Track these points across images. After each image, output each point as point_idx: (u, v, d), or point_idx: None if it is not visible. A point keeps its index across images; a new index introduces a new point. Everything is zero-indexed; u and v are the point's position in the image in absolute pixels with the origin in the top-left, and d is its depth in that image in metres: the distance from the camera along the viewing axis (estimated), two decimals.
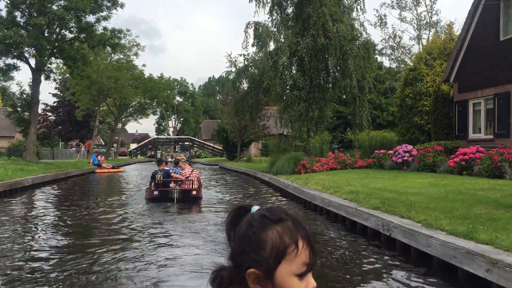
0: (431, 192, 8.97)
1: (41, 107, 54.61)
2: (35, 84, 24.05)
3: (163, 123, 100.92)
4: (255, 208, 1.12)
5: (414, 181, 11.39)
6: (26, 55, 23.98)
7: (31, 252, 6.95)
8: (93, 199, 13.89)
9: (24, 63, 24.33)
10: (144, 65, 61.30)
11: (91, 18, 24.49)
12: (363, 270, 5.96)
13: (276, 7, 22.54)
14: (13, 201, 13.27)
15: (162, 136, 78.73)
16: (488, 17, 16.58)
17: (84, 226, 9.20)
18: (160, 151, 70.72)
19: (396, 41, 44.80)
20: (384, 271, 5.77)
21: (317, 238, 7.90)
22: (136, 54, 46.06)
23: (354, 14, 22.63)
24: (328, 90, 22.89)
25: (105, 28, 25.32)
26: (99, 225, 9.21)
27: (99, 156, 32.95)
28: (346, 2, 22.65)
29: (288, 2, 22.70)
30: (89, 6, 22.90)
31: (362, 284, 5.37)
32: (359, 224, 7.92)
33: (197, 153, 69.09)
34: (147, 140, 70.61)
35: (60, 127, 56.10)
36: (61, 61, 25.47)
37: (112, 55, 45.12)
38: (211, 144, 65.22)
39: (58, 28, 24.14)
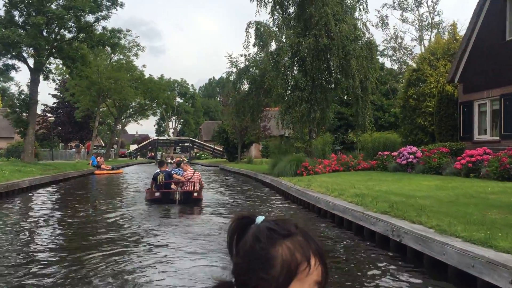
0: (440, 195, 8.65)
1: (40, 108, 54.44)
2: (33, 84, 23.76)
3: (163, 124, 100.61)
4: (260, 219, 1.03)
5: (420, 184, 11.08)
6: (25, 55, 23.73)
7: (25, 256, 6.64)
8: (92, 202, 13.57)
9: (22, 63, 24.10)
10: (144, 66, 61.14)
11: (90, 18, 24.23)
12: (372, 277, 5.65)
13: (277, 7, 22.27)
14: (9, 203, 12.96)
15: (162, 137, 78.42)
16: (494, 17, 16.27)
17: (81, 229, 8.88)
18: (160, 152, 70.36)
19: (397, 42, 44.56)
20: (395, 279, 5.45)
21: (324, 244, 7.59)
22: (136, 55, 45.92)
23: (357, 14, 22.41)
24: (330, 91, 22.60)
25: (104, 28, 25.06)
26: (97, 229, 8.89)
27: (98, 157, 32.68)
28: (349, 1, 22.39)
29: (290, 2, 22.43)
30: (88, 5, 22.63)
31: None
32: (366, 228, 7.61)
33: (197, 154, 68.81)
34: (147, 141, 70.24)
35: (59, 128, 55.84)
36: (60, 61, 25.16)
37: (112, 56, 44.88)
38: (211, 146, 64.92)
39: (57, 28, 23.87)
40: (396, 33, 45.12)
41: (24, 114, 24.23)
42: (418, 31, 44.13)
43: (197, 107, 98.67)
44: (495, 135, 16.01)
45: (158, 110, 65.66)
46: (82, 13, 23.14)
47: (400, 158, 16.17)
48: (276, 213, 11.69)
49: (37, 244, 7.64)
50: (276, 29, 22.14)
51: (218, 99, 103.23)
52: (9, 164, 21.93)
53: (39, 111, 56.44)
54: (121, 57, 45.57)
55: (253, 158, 42.76)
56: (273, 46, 21.79)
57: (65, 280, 5.43)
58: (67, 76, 38.13)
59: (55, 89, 55.66)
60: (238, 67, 24.55)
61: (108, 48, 28.47)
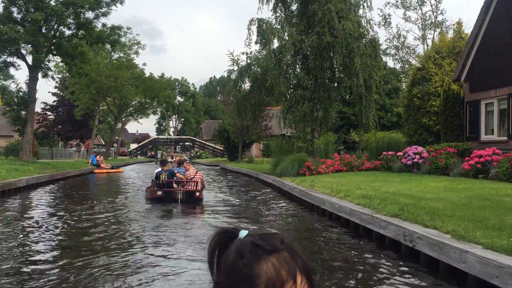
0: (451, 197, 8.29)
1: (40, 106, 54.12)
2: (32, 81, 23.40)
3: (164, 123, 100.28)
4: (243, 233, 0.96)
5: (428, 185, 10.72)
6: (23, 52, 23.39)
7: (18, 257, 6.29)
8: (90, 201, 13.22)
9: (21, 60, 23.77)
10: (144, 64, 60.71)
11: (90, 15, 23.85)
12: (383, 283, 5.30)
13: (280, 4, 21.87)
14: (5, 204, 12.61)
15: (163, 136, 78.06)
16: (501, 14, 15.91)
17: (78, 230, 8.53)
18: (160, 151, 70.01)
19: (400, 41, 44.19)
20: (408, 287, 5.10)
21: (327, 247, 7.24)
22: (136, 53, 45.46)
23: (361, 11, 21.97)
24: (333, 90, 22.21)
25: (104, 25, 24.69)
26: (95, 230, 8.54)
27: (98, 156, 32.33)
28: None
29: None
30: (88, 2, 22.26)
31: None
32: (375, 232, 7.25)
33: (198, 153, 68.45)
34: (148, 140, 69.90)
35: (59, 126, 55.53)
36: (59, 58, 24.79)
37: (112, 54, 44.51)
38: (212, 145, 64.58)
39: (56, 25, 23.51)
40: (399, 32, 44.61)
41: (22, 112, 23.85)
42: (421, 30, 43.78)
43: (198, 106, 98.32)
44: (502, 135, 15.65)
45: (158, 109, 65.28)
46: (82, 10, 22.78)
47: (406, 158, 15.81)
48: (279, 213, 11.35)
49: (31, 245, 7.30)
50: (279, 27, 21.73)
51: (219, 98, 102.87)
52: (7, 162, 21.57)
53: (39, 109, 56.25)
54: (122, 55, 45.18)
55: (254, 157, 42.41)
56: (276, 43, 21.40)
57: (60, 282, 5.21)
58: (67, 74, 37.70)
59: (55, 87, 55.35)
60: (240, 65, 24.18)
61: (108, 46, 28.10)
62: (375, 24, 42.28)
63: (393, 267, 5.88)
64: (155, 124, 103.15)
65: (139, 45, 45.21)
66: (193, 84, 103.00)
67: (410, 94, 21.36)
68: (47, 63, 24.20)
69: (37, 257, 6.47)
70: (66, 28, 23.74)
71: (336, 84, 22.33)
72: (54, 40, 23.31)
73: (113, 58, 45.25)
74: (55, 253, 6.83)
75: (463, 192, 8.98)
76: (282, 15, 22.00)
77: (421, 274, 5.50)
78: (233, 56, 24.67)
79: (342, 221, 8.94)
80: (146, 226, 8.97)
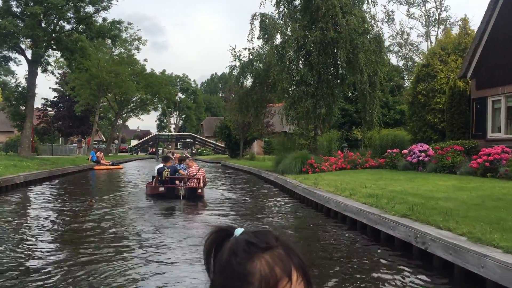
0: (462, 197, 7.98)
1: (41, 102, 53.88)
2: (31, 76, 23.08)
3: (165, 120, 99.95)
4: (238, 231, 0.96)
5: (436, 184, 10.41)
6: (22, 46, 23.06)
7: (13, 256, 6.01)
8: (89, 198, 12.93)
9: (20, 55, 23.46)
10: (145, 60, 60.34)
11: (90, 9, 23.50)
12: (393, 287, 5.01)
13: None
14: (1, 200, 12.32)
15: (164, 133, 77.75)
16: (510, 9, 15.55)
17: (76, 227, 8.24)
18: (161, 148, 69.72)
19: (403, 38, 43.78)
20: None
21: (332, 247, 6.94)
22: (137, 48, 45.07)
23: (365, 6, 21.65)
24: (336, 86, 21.88)
25: (104, 19, 24.34)
26: (93, 227, 8.24)
27: (98, 153, 32.07)
28: None
29: None
30: None
31: None
32: (383, 233, 6.95)
33: (199, 150, 68.18)
34: (148, 137, 69.57)
35: (60, 122, 55.28)
36: (59, 53, 24.46)
37: (113, 49, 44.15)
38: (213, 142, 64.30)
39: (56, 19, 23.18)
40: (402, 29, 44.24)
41: (21, 107, 23.54)
42: (425, 27, 43.36)
43: (199, 103, 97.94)
44: (510, 133, 15.31)
45: (159, 105, 64.95)
46: (82, 4, 22.45)
47: (411, 156, 15.49)
48: (282, 211, 11.06)
49: (25, 242, 7.00)
50: (282, 22, 21.38)
51: (220, 95, 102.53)
52: (5, 158, 21.27)
53: (39, 105, 56.05)
54: (122, 50, 44.81)
55: (255, 154, 42.10)
56: (278, 39, 21.06)
57: (58, 279, 5.05)
58: (67, 69, 37.36)
59: (56, 83, 55.07)
60: (242, 61, 23.83)
61: (109, 41, 27.75)
62: (378, 21, 41.88)
63: (404, 270, 5.58)
64: (156, 121, 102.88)
65: (140, 41, 44.84)
66: (194, 80, 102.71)
67: (414, 91, 21.03)
68: (46, 57, 23.88)
69: (31, 254, 6.19)
70: (66, 22, 23.42)
71: (339, 81, 22.01)
72: (54, 35, 22.98)
73: (114, 53, 44.87)
74: (50, 250, 6.54)
75: (473, 191, 8.67)
76: (285, 10, 21.65)
77: (435, 278, 5.20)
78: (235, 52, 24.32)
79: (348, 220, 8.64)
80: (147, 223, 8.69)
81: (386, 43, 41.73)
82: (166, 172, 12.70)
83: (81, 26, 23.18)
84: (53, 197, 13.78)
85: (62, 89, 53.88)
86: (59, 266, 5.71)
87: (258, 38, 21.28)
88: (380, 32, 21.12)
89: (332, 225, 8.84)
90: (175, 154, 19.53)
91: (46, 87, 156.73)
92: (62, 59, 31.44)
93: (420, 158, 15.15)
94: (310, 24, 20.54)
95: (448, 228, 5.57)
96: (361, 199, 8.75)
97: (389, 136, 19.12)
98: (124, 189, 16.44)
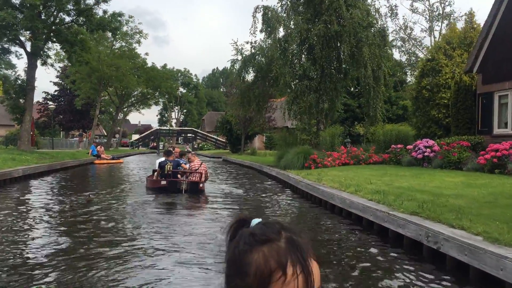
0: (472, 194, 7.71)
1: (42, 95, 53.63)
2: (30, 69, 22.79)
3: (166, 115, 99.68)
4: (255, 221, 0.99)
5: (443, 180, 10.14)
6: (22, 38, 22.76)
7: (9, 252, 5.76)
8: (89, 192, 12.70)
9: (19, 47, 23.17)
10: (146, 54, 60.03)
11: (90, 0, 23.18)
12: None
13: None
14: None
15: (165, 128, 77.50)
16: None
17: (75, 223, 7.99)
18: (162, 143, 69.49)
19: (407, 33, 43.39)
20: None
21: (338, 246, 6.69)
22: (138, 42, 44.68)
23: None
24: (340, 81, 21.56)
25: (105, 12, 24.01)
26: (91, 223, 7.99)
27: (99, 147, 31.83)
28: None
29: None
30: None
31: None
32: (392, 231, 6.69)
33: (200, 145, 67.94)
34: (150, 131, 69.35)
35: (61, 116, 55.07)
36: (58, 45, 24.15)
37: (114, 43, 43.80)
38: (214, 136, 64.08)
39: (55, 11, 22.86)
40: (406, 24, 43.77)
41: (20, 100, 23.26)
42: (428, 22, 42.97)
43: (200, 98, 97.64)
44: None
45: (160, 100, 64.64)
46: None
47: (416, 152, 15.21)
48: (284, 208, 10.81)
49: (21, 239, 6.75)
50: (284, 15, 21.06)
51: (222, 89, 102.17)
52: (4, 152, 21.02)
53: (40, 99, 55.81)
54: (123, 44, 44.44)
55: (256, 149, 41.84)
56: (281, 32, 20.76)
57: (55, 276, 4.86)
58: (68, 63, 37.03)
59: (57, 76, 54.82)
60: (244, 55, 23.52)
61: (109, 34, 27.42)
62: (383, 15, 41.49)
63: (415, 271, 5.32)
64: (157, 115, 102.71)
65: (141, 34, 44.42)
66: (195, 75, 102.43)
67: (419, 85, 20.71)
68: (46, 50, 23.58)
69: (24, 252, 5.94)
70: (65, 14, 23.09)
71: (342, 75, 21.70)
72: (53, 27, 22.67)
73: (114, 47, 44.51)
74: (45, 248, 6.29)
75: (483, 188, 8.40)
76: (288, 2, 21.34)
77: (449, 279, 4.93)
78: (237, 45, 24.01)
79: (353, 217, 8.39)
80: (148, 217, 8.46)
81: (389, 38, 41.52)
82: (169, 166, 12.74)
83: (81, 18, 22.87)
84: (51, 191, 13.54)
85: (63, 83, 53.61)
86: (56, 261, 5.47)
87: (261, 31, 20.99)
88: (385, 25, 20.79)
89: (337, 222, 8.58)
90: (175, 149, 19.27)
91: (47, 80, 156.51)
92: (62, 53, 31.10)
93: (425, 153, 14.88)
94: (313, 17, 20.23)
95: (462, 227, 5.31)
96: (367, 196, 8.49)
97: (393, 131, 18.83)
98: (124, 183, 16.26)
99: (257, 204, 11.36)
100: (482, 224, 5.26)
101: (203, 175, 12.89)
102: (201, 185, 12.68)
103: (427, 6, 42.70)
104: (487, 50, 16.55)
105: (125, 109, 55.46)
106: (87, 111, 52.68)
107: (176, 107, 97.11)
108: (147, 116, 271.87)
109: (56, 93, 56.17)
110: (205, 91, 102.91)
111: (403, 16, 49.11)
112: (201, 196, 12.24)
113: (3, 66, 23.68)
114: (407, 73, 43.03)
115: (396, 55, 43.00)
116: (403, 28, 42.96)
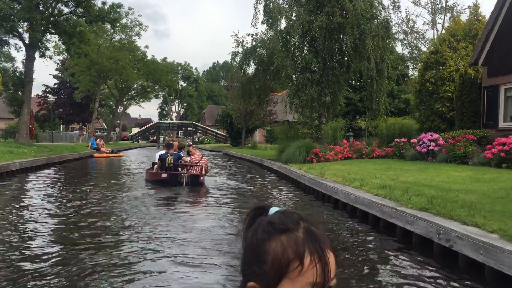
0: (482, 189, 7.44)
1: (41, 88, 53.32)
2: (28, 61, 22.49)
3: (166, 108, 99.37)
4: (273, 210, 0.99)
5: (450, 175, 9.87)
6: (20, 30, 22.43)
7: (5, 247, 5.53)
8: (87, 186, 12.46)
9: (18, 39, 22.85)
10: (146, 47, 59.57)
11: None
12: None
13: None
14: None
15: (165, 121, 77.25)
16: None
17: (73, 217, 7.73)
18: (162, 136, 69.25)
19: (409, 26, 42.97)
20: None
21: (342, 242, 6.44)
22: (138, 34, 44.29)
23: None
24: (342, 73, 21.24)
25: (104, 3, 23.62)
26: (90, 217, 7.73)
27: (98, 140, 31.59)
28: None
29: None
30: None
31: None
32: (399, 228, 6.43)
33: (200, 139, 67.71)
34: (150, 125, 69.10)
35: (61, 109, 54.81)
36: (57, 37, 23.84)
37: (113, 35, 43.42)
38: (215, 130, 63.83)
39: (53, 2, 22.51)
40: (408, 17, 43.38)
41: (19, 92, 22.97)
42: (431, 15, 42.54)
43: (201, 91, 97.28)
44: None
45: (160, 93, 64.33)
46: None
47: (420, 146, 14.94)
48: (286, 202, 10.56)
49: (18, 234, 6.50)
50: (286, 6, 20.69)
51: (222, 83, 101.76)
52: (2, 145, 20.76)
53: (40, 92, 55.53)
54: (123, 36, 44.06)
55: (257, 143, 41.57)
56: (283, 24, 20.40)
57: (53, 274, 4.65)
58: (69, 57, 36.68)
59: (56, 69, 54.49)
60: (245, 47, 23.18)
61: (108, 26, 27.07)
62: (385, 7, 41.01)
63: (425, 269, 5.06)
64: (157, 109, 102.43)
65: (141, 27, 44.03)
66: (196, 68, 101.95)
67: (422, 79, 20.37)
68: (44, 42, 23.26)
69: (20, 247, 5.69)
70: (64, 5, 22.74)
71: (345, 68, 21.37)
72: (51, 18, 22.32)
73: (114, 40, 44.13)
74: (42, 244, 6.04)
75: (493, 183, 8.14)
76: None
77: (462, 278, 4.68)
78: (238, 37, 23.66)
79: (358, 213, 8.13)
80: (149, 211, 8.21)
81: (392, 31, 41.10)
82: (170, 159, 12.65)
83: (79, 9, 22.51)
84: (49, 184, 13.27)
85: (62, 76, 53.28)
86: (53, 256, 5.22)
87: (262, 23, 20.65)
88: (388, 17, 20.44)
89: (341, 217, 8.33)
90: (174, 142, 19.04)
91: (46, 73, 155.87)
92: (62, 45, 30.77)
93: (430, 147, 14.61)
94: (315, 8, 19.89)
95: (476, 224, 5.05)
96: (372, 190, 8.23)
97: (396, 125, 18.54)
98: (123, 176, 16.08)
99: (259, 198, 11.11)
100: (497, 221, 5.00)
101: (203, 168, 12.91)
102: (201, 178, 12.72)
103: None
104: (493, 42, 16.23)
105: (125, 102, 55.18)
106: (87, 104, 52.38)
107: (176, 101, 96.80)
108: (147, 110, 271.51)
109: (55, 86, 55.85)
110: (205, 84, 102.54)
111: (406, 9, 48.82)
112: (202, 189, 12.18)
113: (2, 59, 23.38)
114: (409, 67, 42.66)
115: (399, 48, 42.64)
116: (405, 21, 42.56)
